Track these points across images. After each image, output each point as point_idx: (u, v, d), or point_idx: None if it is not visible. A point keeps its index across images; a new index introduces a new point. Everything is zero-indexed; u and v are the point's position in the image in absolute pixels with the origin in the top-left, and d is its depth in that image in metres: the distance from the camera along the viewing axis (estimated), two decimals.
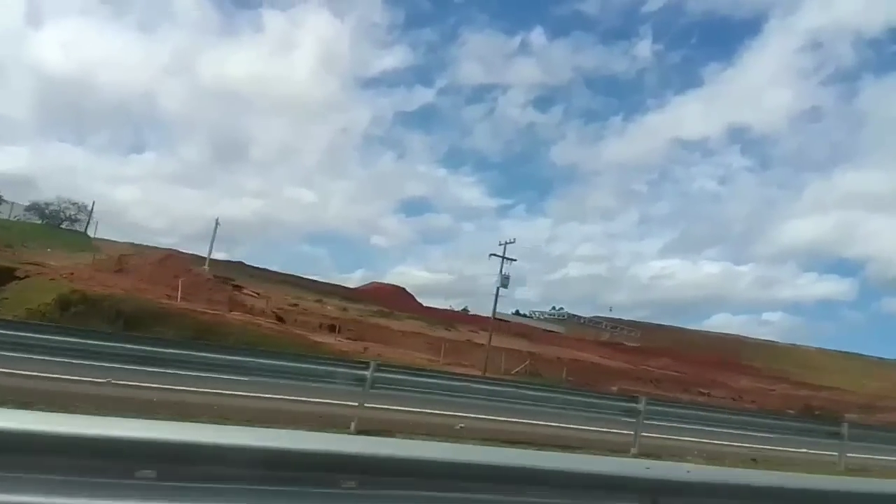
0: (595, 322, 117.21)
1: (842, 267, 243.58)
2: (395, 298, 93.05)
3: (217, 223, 63.07)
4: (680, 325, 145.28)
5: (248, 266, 79.03)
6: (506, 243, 43.80)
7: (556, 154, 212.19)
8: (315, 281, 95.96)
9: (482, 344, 52.09)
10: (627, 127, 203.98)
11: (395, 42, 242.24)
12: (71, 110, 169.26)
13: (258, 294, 47.21)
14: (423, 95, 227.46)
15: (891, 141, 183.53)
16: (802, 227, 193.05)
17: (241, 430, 2.23)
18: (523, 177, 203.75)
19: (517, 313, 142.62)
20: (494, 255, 44.54)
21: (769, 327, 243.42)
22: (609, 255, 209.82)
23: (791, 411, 46.91)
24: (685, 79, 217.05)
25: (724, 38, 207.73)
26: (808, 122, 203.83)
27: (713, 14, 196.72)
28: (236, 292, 40.31)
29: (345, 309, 52.84)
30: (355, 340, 41.37)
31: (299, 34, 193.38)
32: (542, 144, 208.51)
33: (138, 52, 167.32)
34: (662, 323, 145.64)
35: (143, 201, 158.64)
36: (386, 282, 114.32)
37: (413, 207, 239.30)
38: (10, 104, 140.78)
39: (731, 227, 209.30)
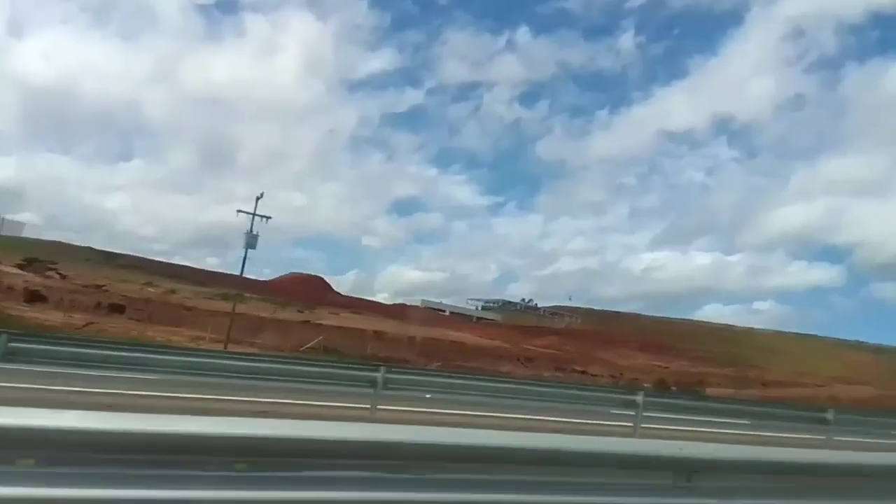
0: (533, 309, 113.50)
1: (830, 254, 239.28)
2: (306, 288, 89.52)
3: None
4: (655, 315, 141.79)
5: (97, 250, 75.16)
6: (258, 198, 38.08)
7: (544, 150, 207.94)
8: (224, 274, 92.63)
9: (320, 324, 47.96)
10: (613, 120, 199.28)
11: (381, 44, 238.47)
12: (56, 120, 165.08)
13: (64, 276, 43.30)
14: (411, 96, 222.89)
15: (874, 127, 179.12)
16: (790, 215, 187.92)
17: None
18: (513, 174, 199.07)
19: (484, 307, 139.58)
20: (242, 211, 38.59)
21: (760, 316, 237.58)
22: (600, 248, 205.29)
23: (647, 385, 44.01)
24: (669, 71, 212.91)
25: (707, 29, 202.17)
26: (793, 111, 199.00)
27: (695, 6, 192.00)
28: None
29: (173, 291, 48.80)
30: (139, 321, 37.41)
31: (282, 38, 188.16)
32: (529, 141, 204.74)
33: (122, 60, 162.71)
34: (645, 313, 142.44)
35: (133, 209, 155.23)
36: (306, 273, 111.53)
37: (404, 207, 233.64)
38: None
39: (720, 217, 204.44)
